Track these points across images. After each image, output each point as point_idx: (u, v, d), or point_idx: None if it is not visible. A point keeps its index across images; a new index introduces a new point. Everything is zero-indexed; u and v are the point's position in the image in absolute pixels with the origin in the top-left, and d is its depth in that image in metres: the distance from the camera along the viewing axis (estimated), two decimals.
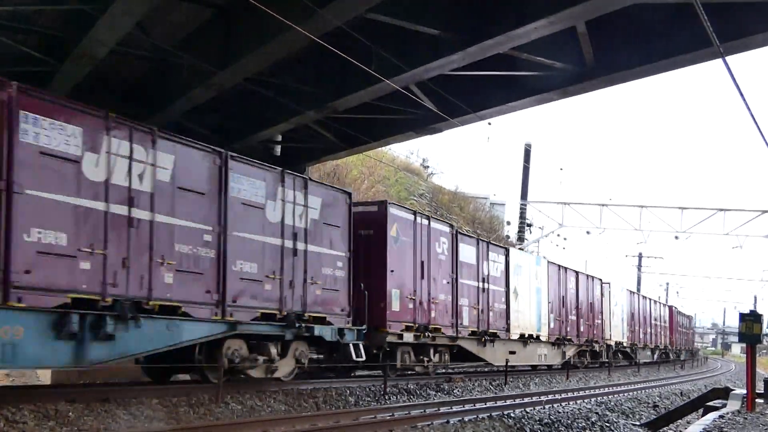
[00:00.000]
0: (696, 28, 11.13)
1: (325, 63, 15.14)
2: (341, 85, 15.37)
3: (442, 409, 12.30)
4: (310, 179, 13.78)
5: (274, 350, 12.45)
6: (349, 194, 14.61)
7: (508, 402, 14.26)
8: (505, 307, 20.83)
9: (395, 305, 15.29)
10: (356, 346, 13.92)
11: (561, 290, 25.39)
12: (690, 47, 12.53)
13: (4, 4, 12.31)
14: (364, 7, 11.40)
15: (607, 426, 13.43)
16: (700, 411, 13.97)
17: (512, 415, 12.62)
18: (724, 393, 14.12)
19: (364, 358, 14.15)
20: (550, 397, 16.24)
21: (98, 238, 9.43)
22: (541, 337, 23.26)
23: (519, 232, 36.97)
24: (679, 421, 15.96)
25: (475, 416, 12.01)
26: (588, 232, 38.28)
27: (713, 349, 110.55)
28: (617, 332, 32.06)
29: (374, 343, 14.96)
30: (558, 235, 39.32)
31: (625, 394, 19.55)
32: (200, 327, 10.96)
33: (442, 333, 17.15)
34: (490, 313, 19.77)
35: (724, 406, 12.80)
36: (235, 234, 11.53)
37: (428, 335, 16.50)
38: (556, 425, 12.46)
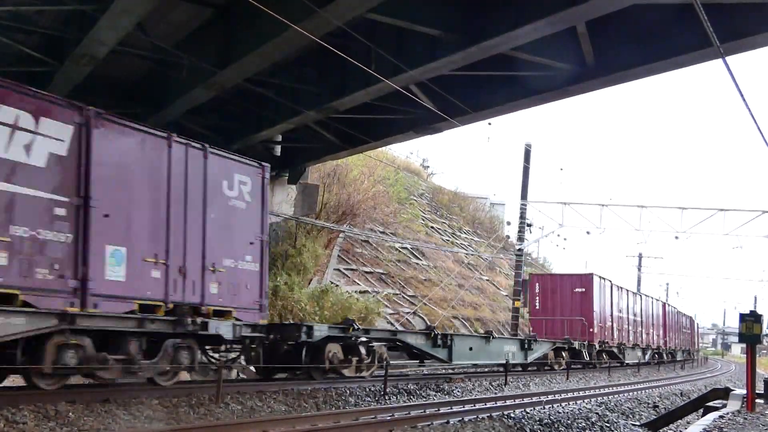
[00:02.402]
0: (696, 28, 11.15)
1: (325, 63, 15.16)
2: (341, 85, 15.38)
3: (442, 410, 12.29)
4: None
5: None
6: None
7: (508, 402, 14.24)
8: None
9: None
10: None
11: None
12: (690, 47, 12.53)
13: (4, 4, 12.31)
14: (364, 8, 11.41)
15: (607, 426, 13.43)
16: (700, 411, 13.96)
17: (512, 415, 12.61)
18: (724, 393, 14.10)
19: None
20: (550, 397, 16.23)
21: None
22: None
23: (519, 232, 36.89)
24: (679, 421, 15.94)
25: (475, 416, 12.00)
26: (588, 232, 38.18)
27: (713, 349, 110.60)
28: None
29: None
30: (558, 235, 39.27)
31: (625, 395, 19.54)
32: None
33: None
34: None
35: (724, 406, 12.79)
36: None
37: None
38: (556, 425, 12.45)
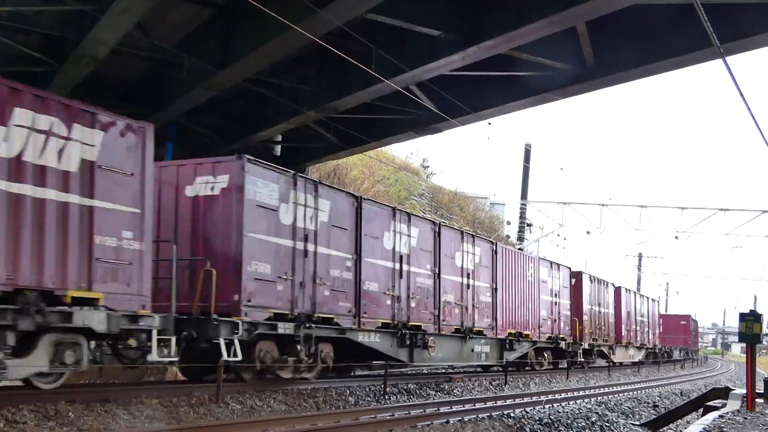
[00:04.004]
0: (696, 29, 11.16)
1: (325, 63, 15.16)
2: (341, 85, 15.39)
3: (442, 409, 12.30)
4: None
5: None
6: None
7: (508, 402, 14.25)
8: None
9: None
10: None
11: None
12: (690, 47, 12.55)
13: (4, 4, 12.31)
14: (364, 8, 11.41)
15: (607, 426, 13.44)
16: (700, 411, 13.97)
17: (512, 414, 12.62)
18: (724, 393, 14.10)
19: None
20: (550, 397, 16.23)
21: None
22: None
23: (519, 232, 36.94)
24: (679, 420, 15.94)
25: (475, 416, 12.01)
26: (588, 232, 38.26)
27: (713, 348, 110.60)
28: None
29: None
30: (558, 235, 39.31)
31: (625, 394, 19.55)
32: None
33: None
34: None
35: (724, 405, 12.78)
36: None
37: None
38: (556, 425, 12.46)
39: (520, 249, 32.16)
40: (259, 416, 10.30)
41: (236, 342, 11.12)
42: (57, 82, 14.20)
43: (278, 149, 21.07)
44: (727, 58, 9.89)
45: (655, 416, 16.35)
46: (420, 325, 15.77)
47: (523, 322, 21.36)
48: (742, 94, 10.34)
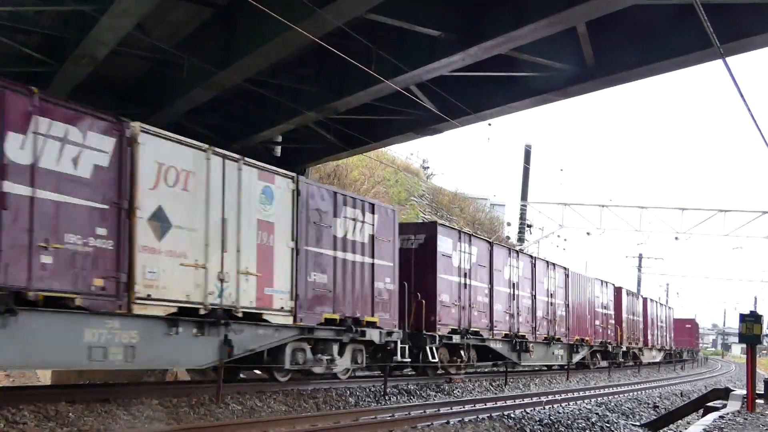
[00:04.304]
0: (696, 29, 11.15)
1: (325, 63, 15.15)
2: (341, 85, 15.38)
3: (442, 410, 12.30)
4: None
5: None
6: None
7: (508, 402, 14.24)
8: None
9: None
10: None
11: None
12: (690, 48, 12.53)
13: (4, 4, 12.31)
14: (364, 8, 11.40)
15: (607, 426, 13.43)
16: (700, 411, 13.96)
17: (512, 415, 12.61)
18: (724, 393, 14.10)
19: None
20: (550, 397, 16.23)
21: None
22: None
23: (519, 233, 36.94)
24: (680, 421, 15.94)
25: (475, 417, 12.01)
26: (588, 233, 38.28)
27: (713, 349, 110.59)
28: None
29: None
30: (558, 236, 39.33)
31: (625, 395, 19.54)
32: None
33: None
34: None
35: (725, 406, 12.78)
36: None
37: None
38: (556, 426, 12.45)
39: (520, 250, 32.18)
40: (260, 417, 10.30)
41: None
42: (57, 82, 14.19)
43: (278, 150, 21.05)
44: (727, 58, 9.89)
45: (655, 417, 16.36)
46: (525, 335, 21.14)
47: (584, 330, 26.96)
48: (742, 95, 10.34)
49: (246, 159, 11.68)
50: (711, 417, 11.32)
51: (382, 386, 13.97)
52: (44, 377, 15.98)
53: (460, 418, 11.68)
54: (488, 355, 19.70)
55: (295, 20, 10.97)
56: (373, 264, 14.42)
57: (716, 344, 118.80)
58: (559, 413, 13.75)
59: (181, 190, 10.43)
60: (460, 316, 17.72)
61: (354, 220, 14.00)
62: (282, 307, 12.13)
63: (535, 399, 15.62)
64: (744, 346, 18.79)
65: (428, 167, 49.51)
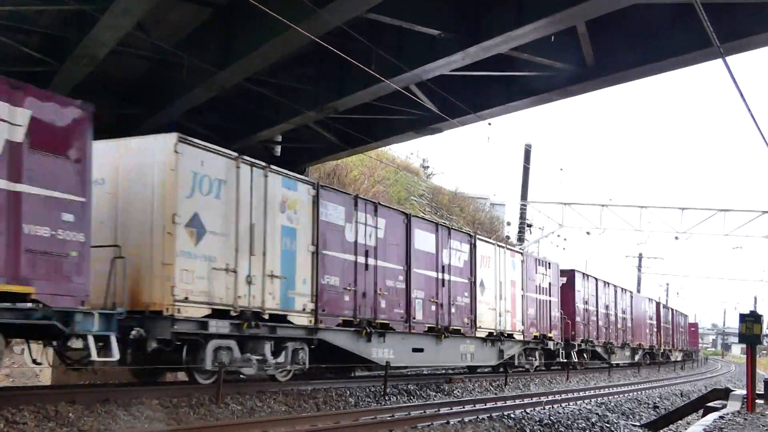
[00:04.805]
0: (696, 29, 11.14)
1: (325, 63, 15.14)
2: (341, 85, 15.37)
3: (442, 410, 12.29)
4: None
5: None
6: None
7: (508, 403, 14.25)
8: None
9: None
10: None
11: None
12: (690, 47, 12.52)
13: (4, 4, 12.30)
14: (364, 7, 11.39)
15: (607, 426, 13.43)
16: (700, 412, 13.96)
17: (512, 415, 12.61)
18: (724, 394, 14.10)
19: None
20: (550, 397, 16.23)
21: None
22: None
23: (519, 232, 36.90)
24: (679, 421, 15.95)
25: (475, 417, 12.00)
26: (588, 233, 38.27)
27: (713, 349, 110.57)
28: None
29: None
30: (558, 235, 39.31)
31: (625, 395, 19.55)
32: None
33: None
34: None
35: (724, 406, 12.78)
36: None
37: None
38: (556, 426, 12.45)
39: (521, 250, 32.16)
40: (259, 417, 10.30)
41: None
42: (57, 82, 14.18)
43: (278, 149, 21.03)
44: (727, 58, 9.89)
45: (655, 417, 16.36)
46: (612, 342, 29.88)
47: (641, 336, 34.76)
48: (742, 94, 10.33)
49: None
50: (711, 417, 11.32)
51: (382, 386, 13.97)
52: (44, 377, 15.96)
53: (460, 419, 11.67)
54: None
55: (295, 20, 10.95)
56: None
57: (716, 344, 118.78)
58: (559, 413, 13.75)
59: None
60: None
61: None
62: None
63: (535, 399, 15.62)
64: (744, 346, 18.78)
65: (428, 167, 49.48)
